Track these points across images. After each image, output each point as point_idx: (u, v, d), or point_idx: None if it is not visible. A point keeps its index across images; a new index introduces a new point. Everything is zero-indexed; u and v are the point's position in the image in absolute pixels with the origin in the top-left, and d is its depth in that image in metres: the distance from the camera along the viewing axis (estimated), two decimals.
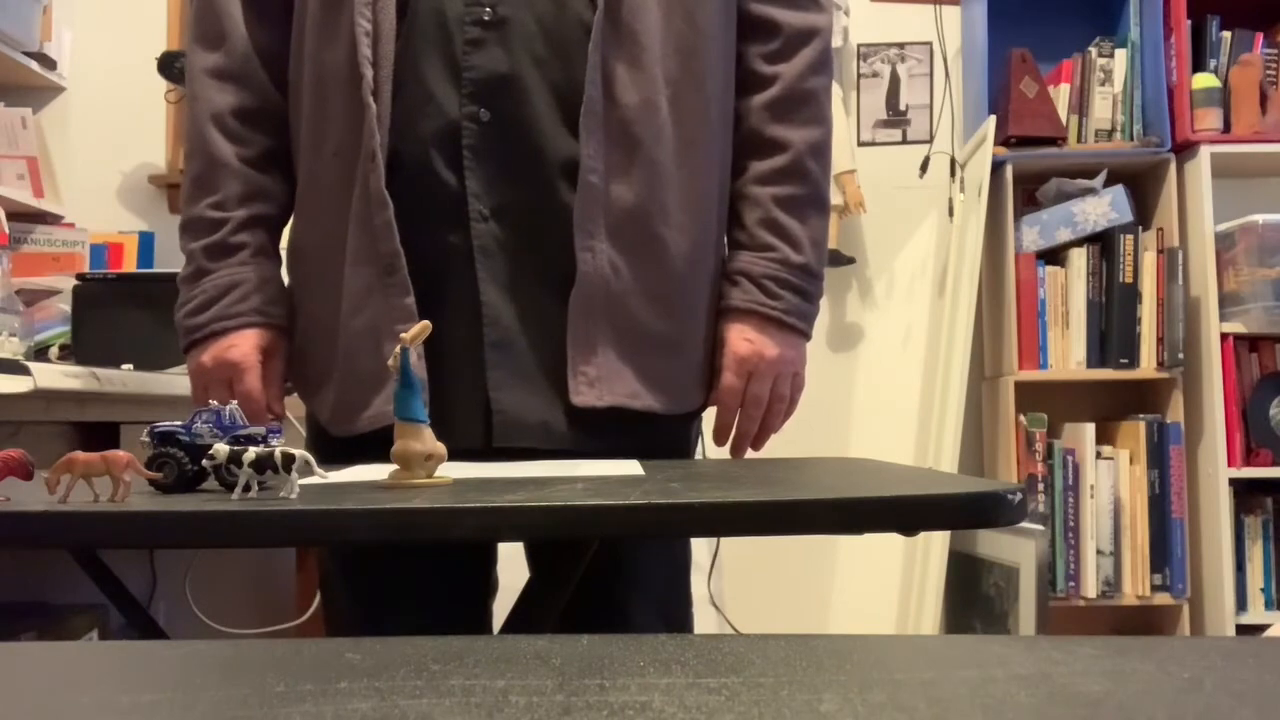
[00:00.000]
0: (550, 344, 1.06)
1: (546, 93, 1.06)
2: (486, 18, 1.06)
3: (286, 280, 1.19)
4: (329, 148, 1.09)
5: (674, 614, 1.21)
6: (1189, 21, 2.64)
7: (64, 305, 2.13)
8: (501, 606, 1.17)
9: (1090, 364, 2.63)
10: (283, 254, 1.20)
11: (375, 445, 1.00)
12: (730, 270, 1.16)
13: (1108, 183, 2.66)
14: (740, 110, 1.16)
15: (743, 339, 1.14)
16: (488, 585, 1.22)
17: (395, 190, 1.05)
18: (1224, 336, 2.55)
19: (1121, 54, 2.69)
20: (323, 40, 1.09)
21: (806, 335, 1.17)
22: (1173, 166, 2.62)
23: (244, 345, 1.11)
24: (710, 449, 1.29)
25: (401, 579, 1.13)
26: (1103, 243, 2.64)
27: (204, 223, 1.13)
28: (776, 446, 1.18)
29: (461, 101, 1.06)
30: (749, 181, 1.16)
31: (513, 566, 1.15)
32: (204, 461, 0.75)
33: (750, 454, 1.18)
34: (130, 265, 2.79)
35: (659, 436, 1.12)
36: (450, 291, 1.07)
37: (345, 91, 1.06)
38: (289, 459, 0.72)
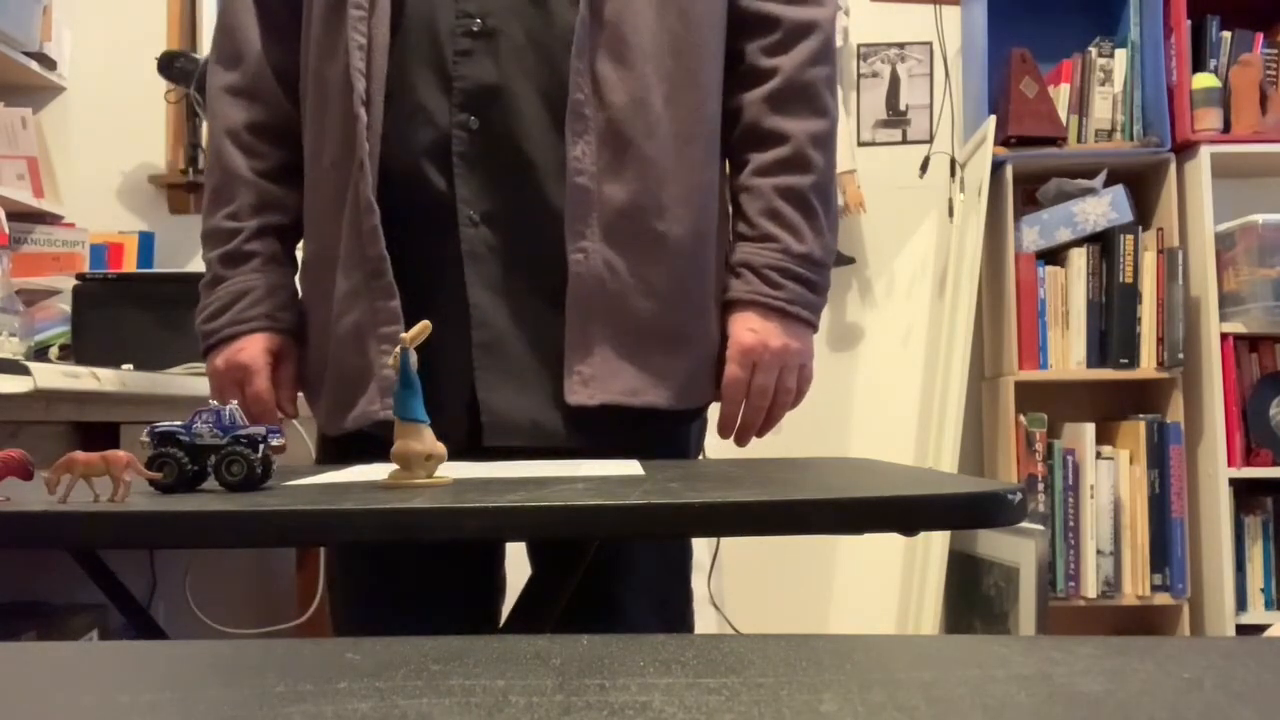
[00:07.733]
0: (543, 345, 1.07)
1: (535, 100, 1.07)
2: (475, 29, 1.07)
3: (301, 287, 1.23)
4: (327, 159, 1.12)
5: (672, 608, 1.21)
6: (1189, 21, 2.64)
7: (64, 305, 2.13)
8: (508, 606, 1.17)
9: (1090, 364, 2.63)
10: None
11: (374, 445, 1.01)
12: (733, 262, 1.16)
13: (1108, 183, 2.66)
14: (740, 105, 1.16)
15: (746, 329, 1.13)
16: (494, 585, 1.22)
17: (388, 198, 1.07)
18: (1224, 336, 2.55)
19: (1121, 54, 2.69)
20: (323, 56, 1.12)
21: (813, 326, 1.16)
22: (1173, 166, 2.62)
23: (252, 349, 1.15)
24: (711, 449, 1.29)
25: (408, 581, 1.14)
26: (1103, 243, 2.64)
27: (220, 233, 1.19)
28: (777, 446, 1.17)
29: (451, 110, 1.07)
30: (750, 174, 1.15)
31: (521, 565, 1.14)
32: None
33: (754, 440, 1.18)
34: (130, 265, 2.79)
35: (656, 435, 1.12)
36: (440, 297, 1.09)
37: (340, 104, 1.09)
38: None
